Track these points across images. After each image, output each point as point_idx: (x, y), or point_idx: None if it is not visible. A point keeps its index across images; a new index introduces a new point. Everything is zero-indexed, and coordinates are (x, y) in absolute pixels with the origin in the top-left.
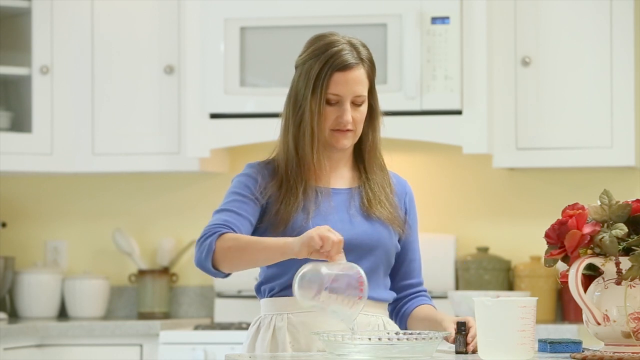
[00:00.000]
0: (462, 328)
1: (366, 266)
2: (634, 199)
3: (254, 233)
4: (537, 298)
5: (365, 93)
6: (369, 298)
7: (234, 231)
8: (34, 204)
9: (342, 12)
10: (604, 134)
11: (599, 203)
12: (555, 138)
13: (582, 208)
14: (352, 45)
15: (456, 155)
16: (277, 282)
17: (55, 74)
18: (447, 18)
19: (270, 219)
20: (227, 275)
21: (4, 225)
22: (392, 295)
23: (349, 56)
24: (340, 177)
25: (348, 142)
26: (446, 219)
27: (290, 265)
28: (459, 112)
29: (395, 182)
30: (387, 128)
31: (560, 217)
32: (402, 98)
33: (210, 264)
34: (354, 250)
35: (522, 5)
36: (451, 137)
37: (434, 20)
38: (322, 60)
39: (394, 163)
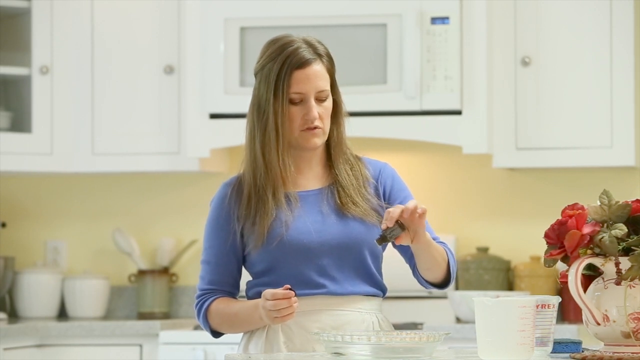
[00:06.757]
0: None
1: (349, 264)
2: (634, 199)
3: (246, 259)
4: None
5: (328, 87)
6: (361, 294)
7: (219, 293)
8: (34, 204)
9: (342, 12)
10: (603, 134)
11: (599, 203)
12: (555, 138)
13: (582, 208)
14: (308, 43)
15: (456, 155)
16: (265, 286)
17: (55, 74)
18: (447, 18)
19: (250, 237)
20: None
21: (4, 225)
22: (383, 288)
23: (306, 53)
24: (313, 177)
25: (319, 140)
26: (446, 219)
27: (274, 267)
28: (458, 112)
29: (370, 168)
30: (387, 128)
31: (560, 217)
32: (402, 98)
33: (212, 333)
34: (332, 251)
35: (522, 5)
36: (451, 137)
37: (434, 20)
38: (280, 61)
39: (394, 163)
